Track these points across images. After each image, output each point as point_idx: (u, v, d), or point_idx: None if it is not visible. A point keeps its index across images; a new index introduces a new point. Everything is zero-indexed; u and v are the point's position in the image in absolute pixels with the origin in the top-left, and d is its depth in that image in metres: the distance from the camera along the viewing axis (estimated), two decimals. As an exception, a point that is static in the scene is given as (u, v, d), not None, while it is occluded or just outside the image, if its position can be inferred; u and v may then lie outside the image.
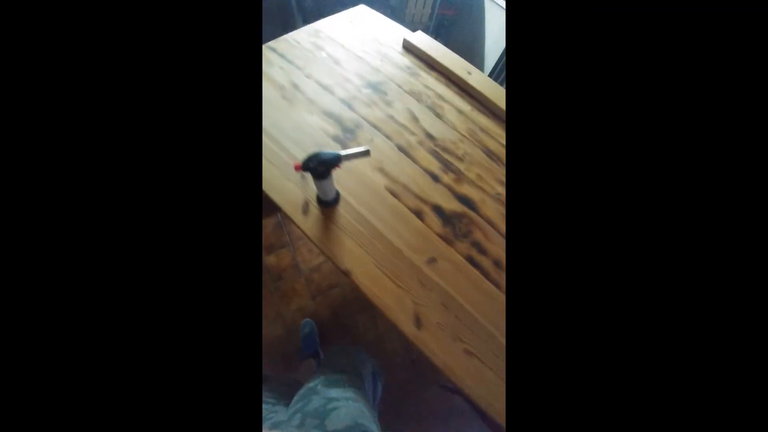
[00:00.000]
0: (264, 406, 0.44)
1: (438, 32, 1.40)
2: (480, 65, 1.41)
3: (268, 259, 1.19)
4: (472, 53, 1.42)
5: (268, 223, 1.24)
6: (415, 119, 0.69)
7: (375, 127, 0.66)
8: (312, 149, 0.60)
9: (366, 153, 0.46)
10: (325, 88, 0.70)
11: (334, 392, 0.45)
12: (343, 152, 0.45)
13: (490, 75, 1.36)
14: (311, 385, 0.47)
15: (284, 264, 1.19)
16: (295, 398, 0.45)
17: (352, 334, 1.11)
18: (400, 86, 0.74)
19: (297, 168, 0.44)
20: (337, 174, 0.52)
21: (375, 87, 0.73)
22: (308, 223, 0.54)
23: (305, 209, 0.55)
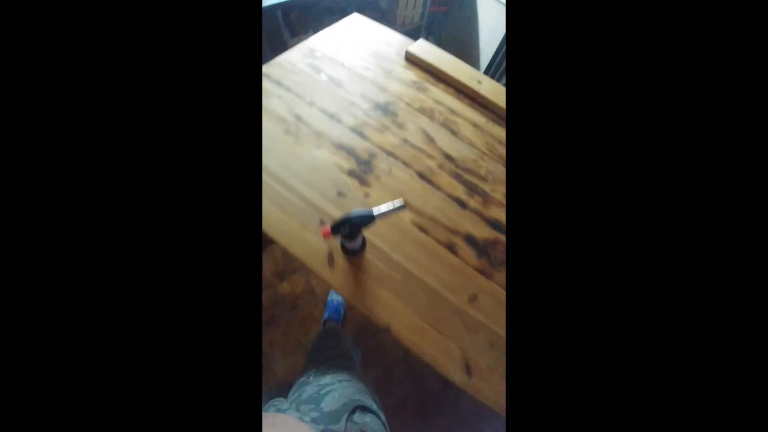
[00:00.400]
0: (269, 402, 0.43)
1: (430, 30, 1.33)
2: (476, 59, 1.36)
3: (282, 287, 1.15)
4: (468, 47, 1.37)
5: (276, 248, 1.20)
6: (431, 140, 0.65)
7: (391, 154, 0.62)
8: (329, 190, 0.55)
9: (402, 207, 0.41)
10: (332, 116, 0.65)
11: (327, 378, 0.45)
12: (377, 210, 0.41)
13: (488, 69, 1.31)
14: (303, 379, 0.47)
15: (298, 290, 1.15)
16: (290, 393, 0.45)
17: (379, 353, 1.08)
18: (409, 104, 0.69)
19: (327, 235, 0.40)
20: None
21: (384, 109, 0.68)
22: (337, 276, 0.50)
23: (331, 261, 0.51)
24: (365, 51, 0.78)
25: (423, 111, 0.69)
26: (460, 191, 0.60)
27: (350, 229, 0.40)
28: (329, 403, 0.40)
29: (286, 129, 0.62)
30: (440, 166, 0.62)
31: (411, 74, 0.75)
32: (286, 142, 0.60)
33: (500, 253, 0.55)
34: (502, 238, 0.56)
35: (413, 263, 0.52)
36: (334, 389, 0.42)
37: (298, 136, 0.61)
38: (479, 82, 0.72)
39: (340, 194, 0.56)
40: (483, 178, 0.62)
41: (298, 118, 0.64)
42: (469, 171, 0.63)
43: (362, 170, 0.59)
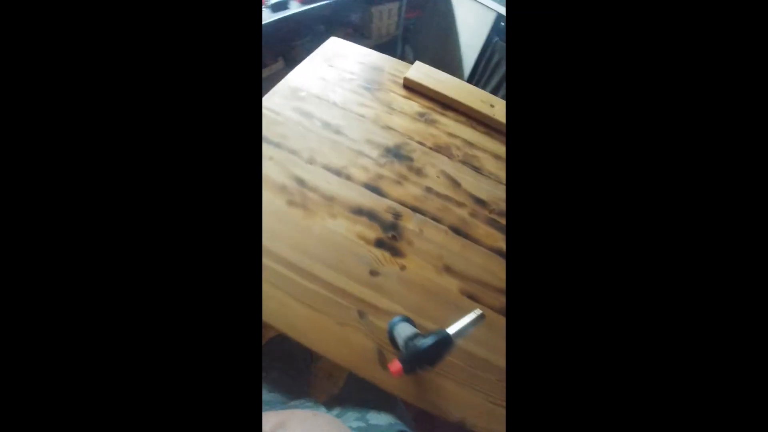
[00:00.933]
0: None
1: (406, 39, 1.25)
2: (458, 65, 1.29)
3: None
4: (449, 53, 1.30)
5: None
6: (456, 184, 0.58)
7: (417, 210, 0.54)
8: (359, 270, 0.46)
9: (481, 319, 0.34)
10: (339, 173, 0.55)
11: (371, 413, 0.41)
12: (453, 329, 0.33)
13: (472, 75, 1.25)
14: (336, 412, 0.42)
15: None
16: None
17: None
18: (422, 143, 0.61)
19: (398, 373, 0.31)
20: (397, 291, 0.42)
21: (396, 153, 0.59)
22: (392, 377, 0.42)
23: (382, 359, 0.43)
24: (355, 83, 0.68)
25: (439, 149, 0.61)
26: (501, 241, 0.54)
27: (430, 364, 0.32)
28: (376, 418, 0.39)
29: (290, 200, 0.51)
30: (473, 215, 0.55)
31: (414, 105, 0.67)
32: (293, 216, 0.50)
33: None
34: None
35: (473, 341, 0.45)
36: (380, 413, 0.40)
37: (305, 206, 0.51)
38: (492, 106, 0.65)
39: (373, 273, 0.47)
40: (519, 219, 0.57)
41: (301, 182, 0.53)
42: (502, 214, 0.56)
43: (390, 237, 0.50)
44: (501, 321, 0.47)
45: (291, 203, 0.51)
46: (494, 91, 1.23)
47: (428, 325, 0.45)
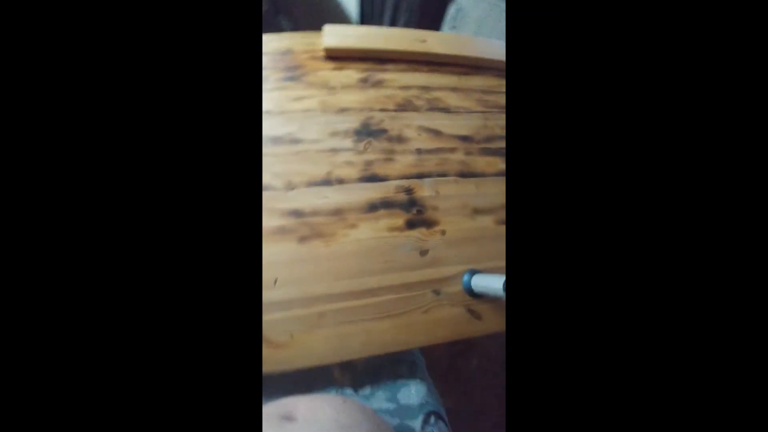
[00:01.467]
0: None
1: (278, 9, 1.05)
2: (341, 8, 1.17)
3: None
4: (324, 3, 1.15)
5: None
6: (437, 133, 0.56)
7: (422, 175, 0.52)
8: (408, 258, 0.46)
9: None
10: (327, 182, 0.49)
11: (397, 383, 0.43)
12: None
13: (362, 12, 1.15)
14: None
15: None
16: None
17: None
18: (384, 109, 0.57)
19: None
20: (451, 255, 0.44)
21: (369, 132, 0.54)
22: (492, 318, 0.44)
23: (475, 315, 0.44)
24: (273, 78, 0.58)
25: (403, 107, 0.58)
26: (500, 163, 0.56)
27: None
28: (406, 396, 0.40)
29: (299, 237, 0.45)
30: (468, 153, 0.56)
31: (351, 73, 0.60)
32: (314, 251, 0.44)
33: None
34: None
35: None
36: (408, 383, 0.41)
37: (318, 233, 0.45)
38: (423, 41, 0.62)
39: (423, 252, 0.46)
40: (503, 138, 0.59)
41: (297, 213, 0.46)
42: (489, 139, 0.58)
43: (416, 213, 0.49)
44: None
45: (302, 240, 0.45)
46: (393, 21, 1.17)
47: (489, 266, 0.48)
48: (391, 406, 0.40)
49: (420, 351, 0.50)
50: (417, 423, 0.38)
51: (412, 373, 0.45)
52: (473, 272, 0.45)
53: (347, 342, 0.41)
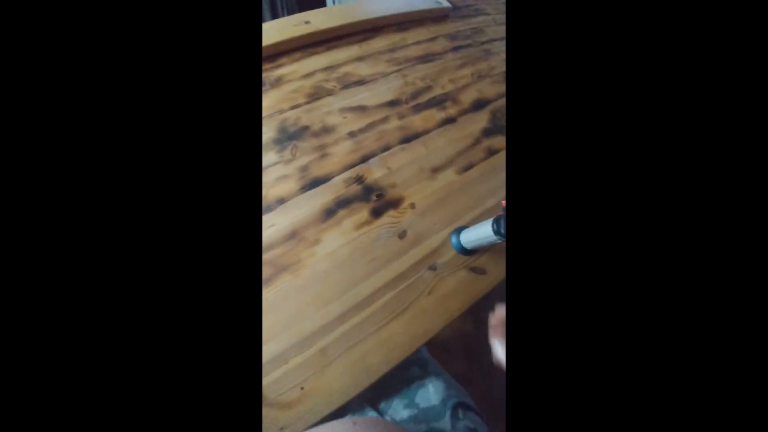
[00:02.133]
0: None
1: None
2: None
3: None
4: None
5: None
6: (362, 108, 0.51)
7: (365, 158, 0.47)
8: (390, 248, 0.41)
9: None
10: (268, 208, 0.42)
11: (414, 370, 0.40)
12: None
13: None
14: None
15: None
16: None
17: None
18: (296, 106, 0.50)
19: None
20: (431, 224, 0.40)
21: (288, 136, 0.47)
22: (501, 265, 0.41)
23: (477, 270, 0.41)
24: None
25: (315, 96, 0.51)
26: (436, 114, 0.53)
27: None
28: (425, 398, 0.37)
29: (266, 278, 0.38)
30: (401, 117, 0.51)
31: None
32: (288, 285, 0.37)
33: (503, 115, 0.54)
34: (500, 104, 0.55)
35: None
36: (425, 383, 0.38)
37: (283, 266, 0.38)
38: (307, 23, 0.56)
39: (401, 235, 0.42)
40: (428, 88, 0.56)
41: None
42: (416, 94, 0.54)
43: (377, 198, 0.44)
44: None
45: (268, 282, 0.38)
46: (274, 14, 1.08)
47: (470, 216, 0.45)
48: (412, 412, 0.36)
49: (426, 349, 0.46)
50: (446, 422, 0.34)
51: (424, 372, 0.41)
52: (459, 230, 0.42)
53: (365, 364, 0.36)
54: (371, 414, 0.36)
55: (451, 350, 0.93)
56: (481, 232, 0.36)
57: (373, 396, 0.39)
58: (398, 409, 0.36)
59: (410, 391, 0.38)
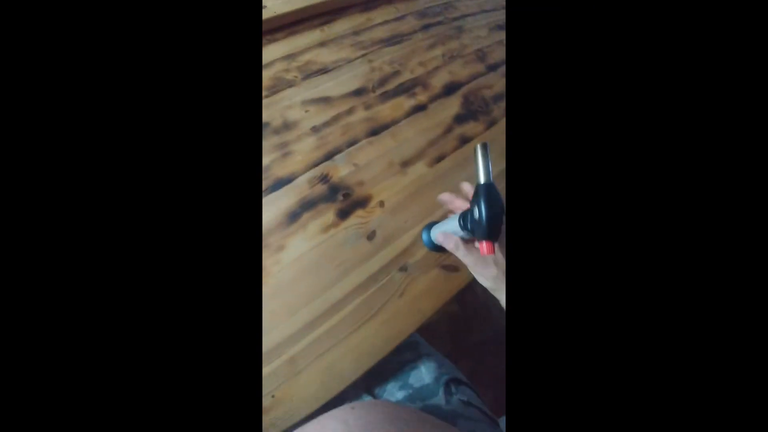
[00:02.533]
0: None
1: None
2: None
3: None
4: None
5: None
6: (326, 100, 0.47)
7: (329, 155, 0.44)
8: (358, 250, 0.39)
9: (485, 147, 0.28)
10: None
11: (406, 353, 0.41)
12: (481, 177, 0.28)
13: None
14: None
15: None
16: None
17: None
18: (267, 98, 0.47)
19: (491, 249, 0.28)
20: (401, 223, 0.37)
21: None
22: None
23: (450, 269, 0.40)
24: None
25: (273, 88, 0.48)
26: (405, 102, 0.50)
27: (502, 213, 0.28)
28: (418, 378, 0.38)
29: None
30: (367, 107, 0.48)
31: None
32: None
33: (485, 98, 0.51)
34: (473, 86, 0.52)
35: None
36: (417, 364, 0.40)
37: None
38: (264, 7, 0.51)
39: (370, 236, 0.40)
40: (396, 73, 0.52)
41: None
42: (384, 81, 0.51)
43: (343, 198, 0.42)
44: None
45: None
46: None
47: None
48: (407, 393, 0.37)
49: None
50: (440, 398, 0.35)
51: (416, 355, 0.41)
52: (430, 226, 0.40)
53: (336, 370, 0.35)
54: (368, 399, 0.37)
55: (437, 331, 0.95)
56: (449, 227, 0.35)
57: (369, 382, 0.40)
58: (393, 392, 0.37)
59: (404, 374, 0.39)
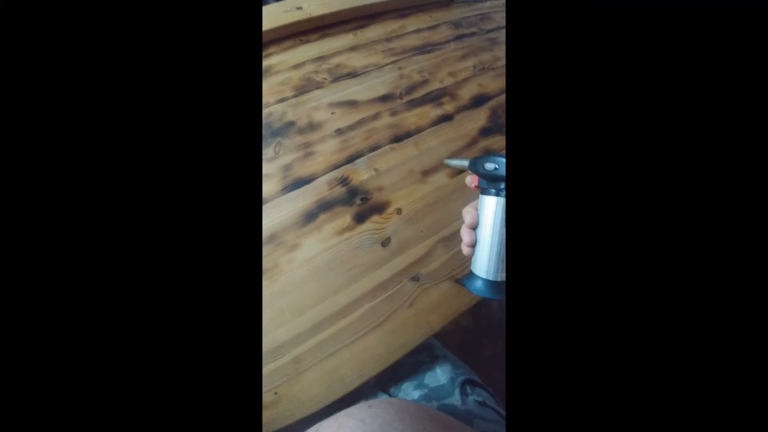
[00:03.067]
0: None
1: None
2: None
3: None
4: None
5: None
6: (352, 104, 0.48)
7: (352, 158, 0.44)
8: (372, 256, 0.39)
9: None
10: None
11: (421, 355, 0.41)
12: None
13: None
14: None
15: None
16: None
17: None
18: (282, 99, 0.47)
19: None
20: (417, 232, 0.37)
21: (274, 132, 0.45)
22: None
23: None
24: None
25: (303, 89, 0.49)
26: (431, 111, 0.49)
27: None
28: (434, 378, 0.38)
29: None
30: (393, 113, 0.48)
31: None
32: (264, 292, 0.37)
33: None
34: (502, 100, 0.51)
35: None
36: (432, 366, 0.40)
37: (263, 270, 0.38)
38: (299, 9, 0.52)
39: (385, 243, 0.40)
40: (425, 81, 0.52)
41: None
42: (412, 89, 0.51)
43: (361, 202, 0.42)
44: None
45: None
46: None
47: (458, 225, 0.42)
48: (422, 392, 0.37)
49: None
50: (456, 398, 0.36)
51: (432, 357, 0.42)
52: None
53: (338, 375, 0.35)
54: (383, 397, 0.37)
55: (448, 342, 0.93)
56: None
57: (384, 382, 0.41)
58: (409, 391, 0.37)
59: (419, 374, 0.39)
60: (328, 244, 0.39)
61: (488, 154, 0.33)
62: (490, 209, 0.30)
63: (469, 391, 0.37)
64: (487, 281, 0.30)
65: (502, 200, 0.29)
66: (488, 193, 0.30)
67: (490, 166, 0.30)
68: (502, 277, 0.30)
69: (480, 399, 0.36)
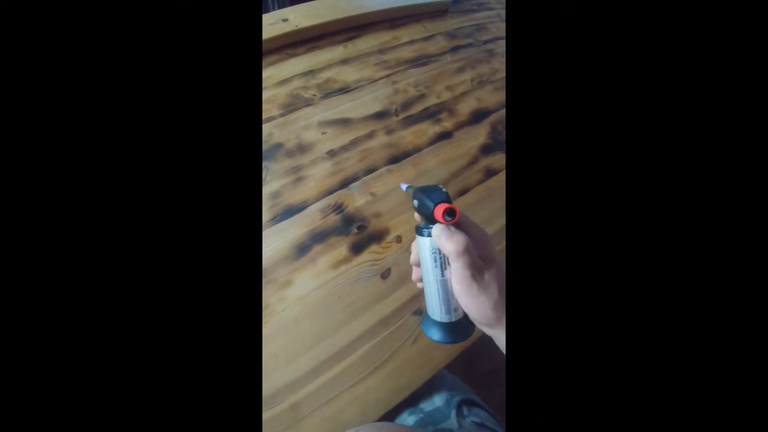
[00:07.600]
0: None
1: None
2: None
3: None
4: None
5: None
6: (344, 122, 0.45)
7: (347, 183, 0.41)
8: (371, 290, 0.36)
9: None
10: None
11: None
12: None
13: None
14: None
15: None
16: None
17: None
18: (270, 118, 0.44)
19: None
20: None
21: (273, 151, 0.42)
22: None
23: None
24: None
25: (290, 106, 0.45)
26: (430, 128, 0.47)
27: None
28: (429, 402, 0.36)
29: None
30: (389, 132, 0.46)
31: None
32: (263, 335, 0.34)
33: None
34: (502, 115, 0.49)
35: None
36: (432, 396, 0.37)
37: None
38: (285, 20, 0.49)
39: (384, 275, 0.37)
40: (421, 96, 0.49)
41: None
42: (408, 104, 0.48)
43: (358, 231, 0.39)
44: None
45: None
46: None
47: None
48: (417, 417, 0.35)
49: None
50: (452, 421, 0.34)
51: (429, 387, 0.39)
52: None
53: (340, 421, 0.32)
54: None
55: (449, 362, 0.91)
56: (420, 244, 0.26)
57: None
58: (404, 417, 0.36)
59: (411, 398, 0.37)
60: (323, 279, 0.36)
61: (430, 185, 0.25)
62: (422, 249, 0.24)
63: (465, 412, 0.35)
64: (436, 322, 0.26)
65: (428, 240, 0.23)
66: (420, 233, 0.24)
67: (415, 201, 0.25)
68: (453, 317, 0.25)
69: (477, 420, 0.35)
